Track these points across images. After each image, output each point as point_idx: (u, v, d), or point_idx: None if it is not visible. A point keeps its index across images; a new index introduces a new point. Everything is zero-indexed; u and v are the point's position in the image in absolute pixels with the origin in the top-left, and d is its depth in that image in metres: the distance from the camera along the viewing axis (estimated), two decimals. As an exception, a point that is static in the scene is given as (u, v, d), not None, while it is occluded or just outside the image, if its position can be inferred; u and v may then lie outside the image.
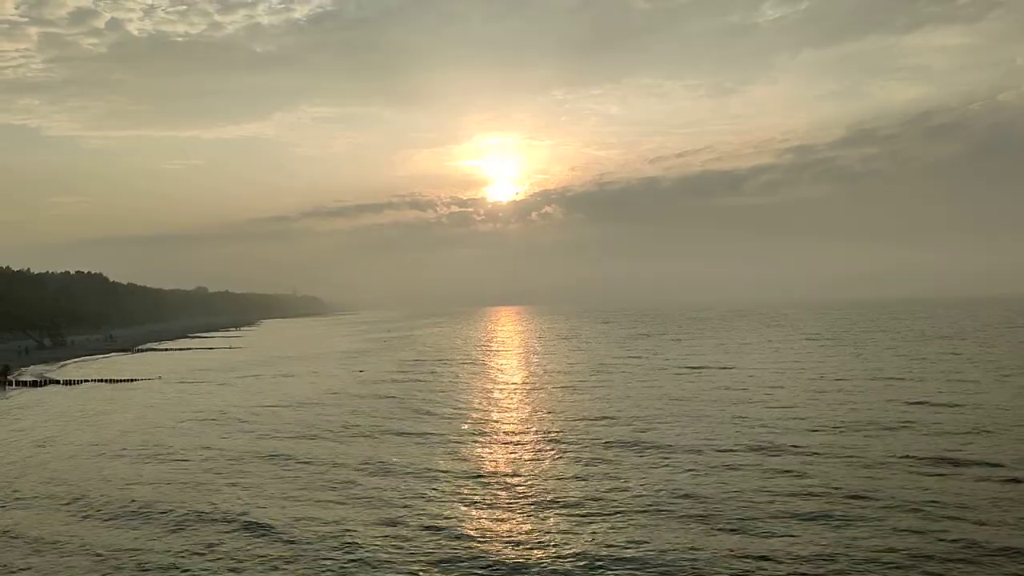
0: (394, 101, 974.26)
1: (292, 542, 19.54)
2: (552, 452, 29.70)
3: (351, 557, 18.48)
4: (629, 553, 18.09)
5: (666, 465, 26.67)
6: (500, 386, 54.55)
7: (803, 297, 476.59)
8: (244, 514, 22.20)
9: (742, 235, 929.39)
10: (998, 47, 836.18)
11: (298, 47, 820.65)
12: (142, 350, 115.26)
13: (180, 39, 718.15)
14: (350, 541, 19.54)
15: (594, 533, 19.59)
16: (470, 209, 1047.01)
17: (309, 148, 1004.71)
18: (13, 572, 18.34)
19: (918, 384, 46.73)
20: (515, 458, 29.01)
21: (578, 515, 21.11)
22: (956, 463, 25.55)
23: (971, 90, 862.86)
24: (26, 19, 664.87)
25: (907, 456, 26.62)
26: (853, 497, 21.81)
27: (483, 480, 25.56)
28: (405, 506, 22.58)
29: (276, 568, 17.96)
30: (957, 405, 37.81)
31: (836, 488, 22.82)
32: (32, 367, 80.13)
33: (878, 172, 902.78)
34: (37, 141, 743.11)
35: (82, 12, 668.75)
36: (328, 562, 18.20)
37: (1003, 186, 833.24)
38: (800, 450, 28.16)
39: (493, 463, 28.32)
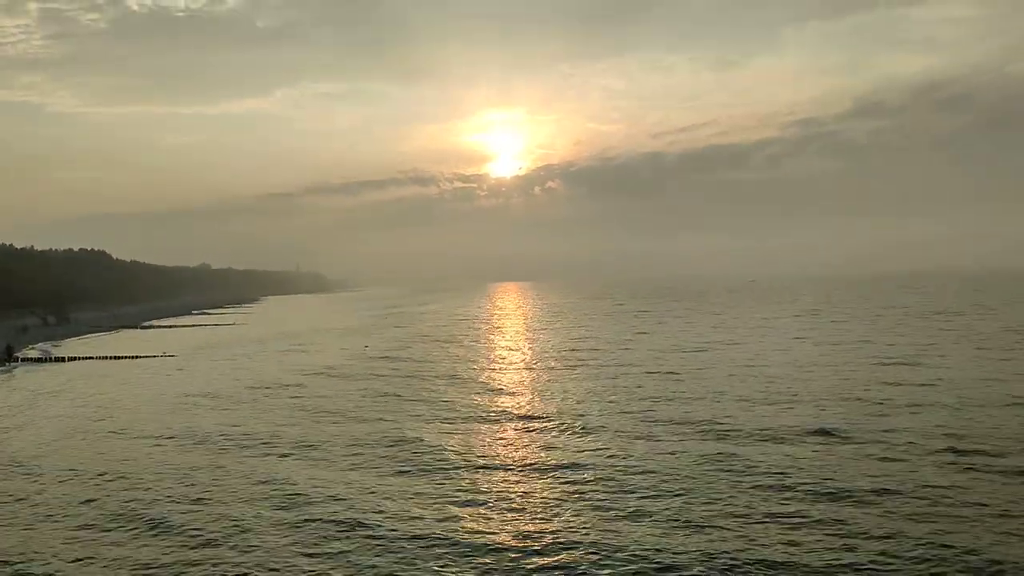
0: (397, 76, 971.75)
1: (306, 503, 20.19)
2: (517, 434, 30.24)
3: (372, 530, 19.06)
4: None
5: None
6: (494, 363, 55.22)
7: (807, 272, 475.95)
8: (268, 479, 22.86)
9: (746, 210, 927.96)
10: (1006, 18, 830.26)
11: (300, 21, 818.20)
12: (146, 327, 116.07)
13: (181, 13, 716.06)
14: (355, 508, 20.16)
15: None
16: (473, 185, 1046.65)
17: (312, 124, 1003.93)
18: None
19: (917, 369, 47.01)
20: (499, 436, 29.64)
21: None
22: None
23: (979, 62, 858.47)
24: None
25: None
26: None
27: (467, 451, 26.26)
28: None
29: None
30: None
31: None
32: (36, 345, 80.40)
33: (886, 145, 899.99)
34: (39, 117, 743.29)
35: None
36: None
37: (1013, 158, 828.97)
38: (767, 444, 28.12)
39: (481, 438, 28.95)
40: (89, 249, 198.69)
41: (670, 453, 24.94)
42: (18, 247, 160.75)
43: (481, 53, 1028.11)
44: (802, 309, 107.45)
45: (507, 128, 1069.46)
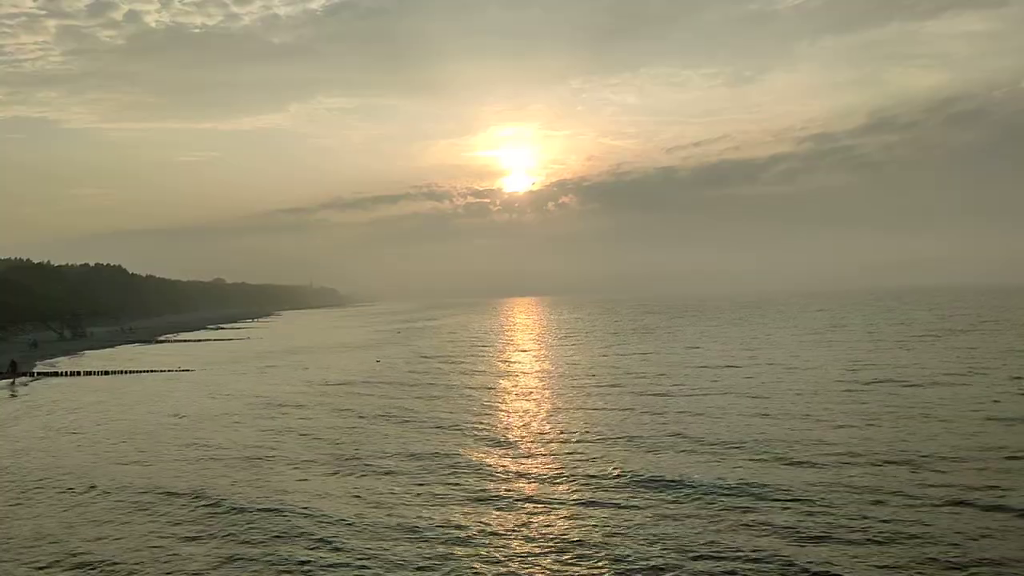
0: (410, 92, 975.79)
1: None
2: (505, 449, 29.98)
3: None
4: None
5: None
6: (503, 380, 55.01)
7: (822, 287, 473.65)
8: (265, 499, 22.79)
9: (760, 225, 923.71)
10: (1021, 33, 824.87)
11: (315, 38, 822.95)
12: (161, 341, 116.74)
13: (197, 30, 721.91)
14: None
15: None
16: (486, 200, 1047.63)
17: (325, 139, 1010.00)
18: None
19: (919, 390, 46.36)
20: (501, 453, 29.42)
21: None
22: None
23: (994, 77, 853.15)
24: (44, 12, 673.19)
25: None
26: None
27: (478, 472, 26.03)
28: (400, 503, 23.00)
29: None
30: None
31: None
32: (45, 360, 80.00)
33: (899, 160, 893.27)
34: (56, 133, 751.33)
35: (100, 4, 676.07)
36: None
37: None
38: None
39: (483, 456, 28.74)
40: (105, 264, 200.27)
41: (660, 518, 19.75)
42: (35, 262, 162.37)
43: (493, 69, 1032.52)
44: (815, 328, 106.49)
45: (520, 143, 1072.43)
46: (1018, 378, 43.01)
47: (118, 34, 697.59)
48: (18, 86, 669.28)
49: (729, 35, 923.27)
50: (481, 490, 23.27)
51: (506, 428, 33.85)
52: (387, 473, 25.91)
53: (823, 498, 20.94)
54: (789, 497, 21.21)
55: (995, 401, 35.51)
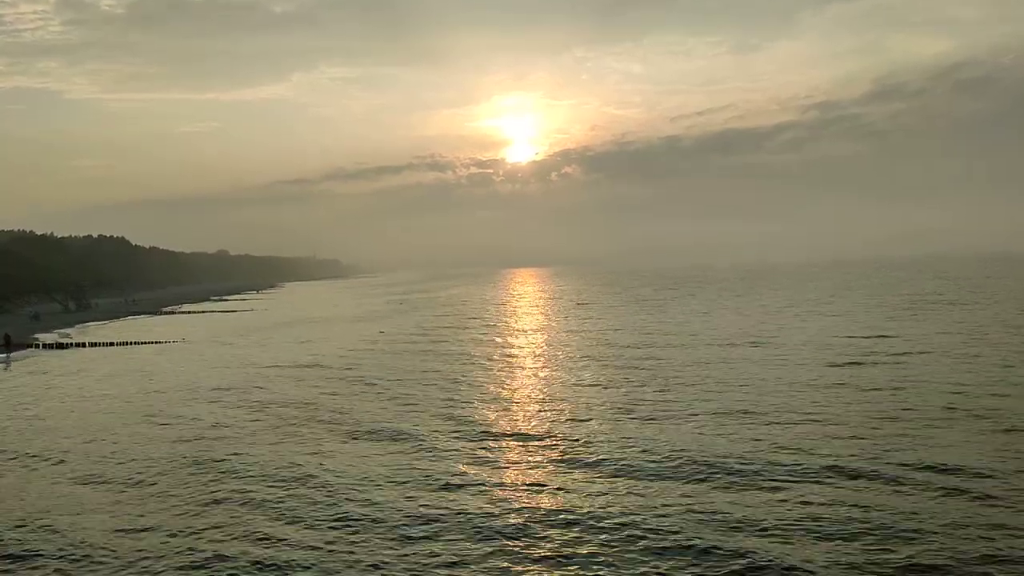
0: (412, 61, 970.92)
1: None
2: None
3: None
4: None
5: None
6: (504, 349, 55.29)
7: (827, 256, 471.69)
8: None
9: (765, 194, 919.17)
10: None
11: (316, 6, 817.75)
12: (165, 313, 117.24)
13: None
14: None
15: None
16: (490, 170, 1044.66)
17: (328, 109, 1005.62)
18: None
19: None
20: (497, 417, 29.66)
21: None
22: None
23: (1002, 43, 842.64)
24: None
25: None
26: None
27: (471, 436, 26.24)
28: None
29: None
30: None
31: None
32: (44, 333, 79.70)
33: (905, 128, 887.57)
34: (57, 104, 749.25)
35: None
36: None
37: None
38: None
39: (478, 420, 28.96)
40: (108, 236, 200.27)
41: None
42: (38, 233, 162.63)
43: (496, 37, 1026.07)
44: (819, 297, 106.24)
45: (523, 113, 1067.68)
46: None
47: (118, 3, 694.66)
48: (18, 56, 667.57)
49: (733, 3, 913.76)
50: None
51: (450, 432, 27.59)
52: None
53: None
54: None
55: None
